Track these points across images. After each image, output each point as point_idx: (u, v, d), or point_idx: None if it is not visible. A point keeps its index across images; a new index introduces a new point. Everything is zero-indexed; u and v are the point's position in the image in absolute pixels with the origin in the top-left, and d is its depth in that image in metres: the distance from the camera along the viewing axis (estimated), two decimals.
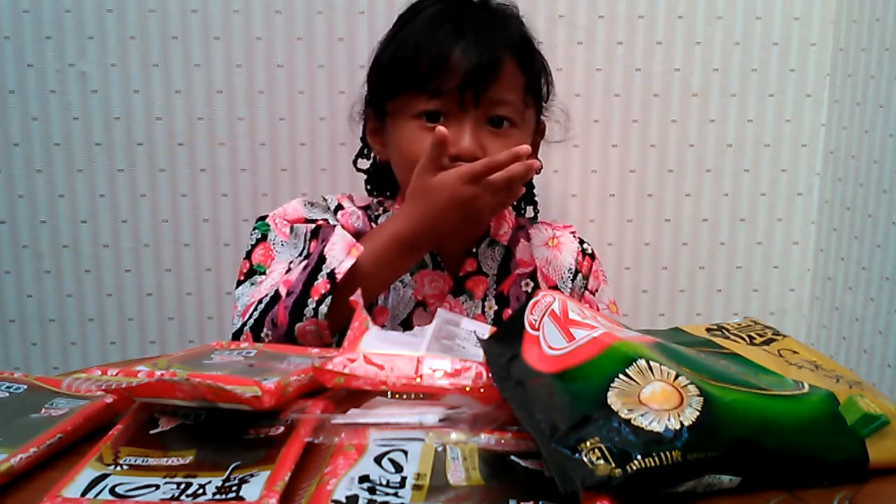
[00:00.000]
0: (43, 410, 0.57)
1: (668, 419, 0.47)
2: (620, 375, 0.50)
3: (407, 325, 0.92)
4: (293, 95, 1.18)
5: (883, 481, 0.50)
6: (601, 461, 0.45)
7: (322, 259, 0.79)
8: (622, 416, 0.47)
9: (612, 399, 0.48)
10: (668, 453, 0.46)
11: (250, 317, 0.81)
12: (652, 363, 0.50)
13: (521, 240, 0.98)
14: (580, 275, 0.98)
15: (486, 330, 0.67)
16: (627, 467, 0.45)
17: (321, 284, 0.78)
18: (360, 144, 1.01)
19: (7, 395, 0.60)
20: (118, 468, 0.49)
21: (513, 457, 0.49)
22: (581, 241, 1.01)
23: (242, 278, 0.88)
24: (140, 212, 1.21)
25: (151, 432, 0.53)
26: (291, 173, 1.20)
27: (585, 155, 1.22)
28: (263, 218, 0.92)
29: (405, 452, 0.49)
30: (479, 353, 0.60)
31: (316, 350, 0.69)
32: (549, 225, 1.02)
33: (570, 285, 0.97)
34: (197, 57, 1.17)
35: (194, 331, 1.24)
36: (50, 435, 0.53)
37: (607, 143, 1.22)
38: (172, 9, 1.16)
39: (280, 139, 1.20)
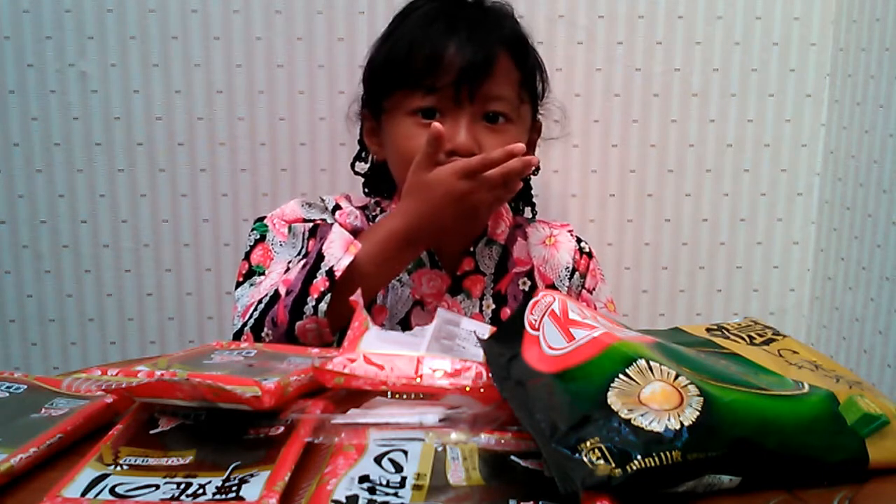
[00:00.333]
0: (43, 410, 0.57)
1: (668, 419, 0.47)
2: (620, 375, 0.50)
3: (405, 324, 0.92)
4: (293, 95, 1.18)
5: (883, 481, 0.50)
6: (601, 461, 0.45)
7: (320, 257, 0.79)
8: (622, 416, 0.47)
9: (612, 399, 0.48)
10: (668, 453, 0.46)
11: (250, 317, 0.81)
12: (652, 363, 0.50)
13: (519, 238, 0.98)
14: (577, 273, 0.98)
15: (486, 330, 0.66)
16: (627, 467, 0.45)
17: (320, 282, 0.78)
18: (358, 147, 1.02)
19: (7, 395, 0.60)
20: (118, 468, 0.49)
21: (513, 457, 0.49)
22: (578, 240, 1.01)
23: (242, 279, 0.88)
24: (140, 212, 1.21)
25: (151, 432, 0.53)
26: (291, 173, 1.20)
27: (585, 155, 1.22)
28: (262, 219, 0.92)
29: (405, 452, 0.49)
30: (479, 353, 0.60)
31: (316, 350, 0.69)
32: (547, 223, 1.02)
33: (567, 284, 0.97)
34: (197, 57, 1.17)
35: (194, 331, 1.24)
36: (50, 435, 0.52)
37: (607, 143, 1.22)
38: (172, 9, 1.16)
39: (280, 139, 1.20)
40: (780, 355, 0.60)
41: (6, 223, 1.20)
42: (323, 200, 0.96)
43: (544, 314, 0.58)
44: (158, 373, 0.58)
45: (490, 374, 0.56)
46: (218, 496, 0.45)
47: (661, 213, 1.24)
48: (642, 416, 0.47)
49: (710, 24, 1.19)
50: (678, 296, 1.26)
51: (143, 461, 0.49)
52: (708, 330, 0.64)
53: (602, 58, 1.19)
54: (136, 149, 1.19)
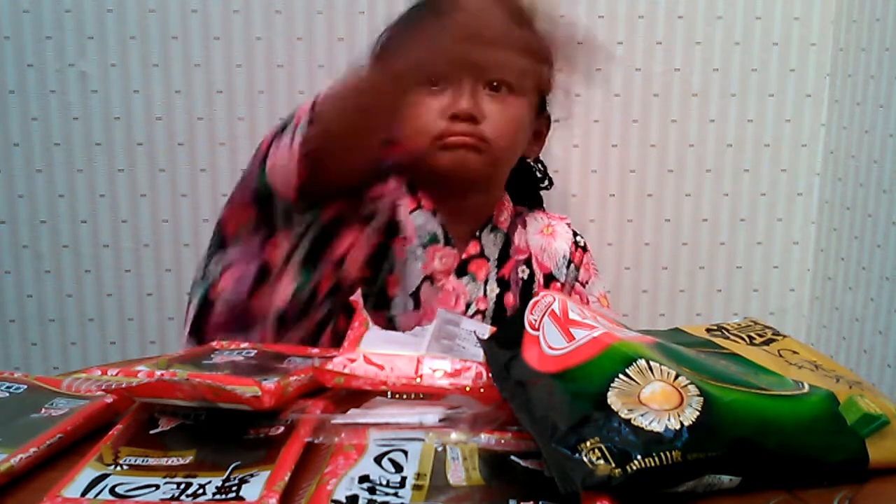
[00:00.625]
0: (43, 410, 0.57)
1: (668, 419, 0.47)
2: (620, 375, 0.49)
3: (416, 298, 0.92)
4: (293, 95, 1.18)
5: (883, 481, 0.50)
6: (601, 461, 0.45)
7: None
8: (622, 416, 0.47)
9: (612, 399, 0.48)
10: (668, 453, 0.46)
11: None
12: (652, 363, 0.50)
13: (519, 227, 0.99)
14: (573, 265, 0.99)
15: (485, 330, 0.67)
16: (627, 467, 0.45)
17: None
18: None
19: (7, 395, 0.60)
20: (118, 468, 0.48)
21: (513, 457, 0.49)
22: (575, 233, 1.02)
23: None
24: (140, 212, 1.21)
25: (151, 432, 0.53)
26: None
27: (585, 155, 1.22)
28: None
29: (405, 452, 0.49)
30: (479, 353, 0.60)
31: (316, 350, 0.69)
32: (545, 214, 1.03)
33: (564, 272, 0.98)
34: (197, 57, 1.17)
35: None
36: (50, 435, 0.52)
37: (607, 143, 1.22)
38: (172, 9, 1.16)
39: None
40: (780, 355, 0.60)
41: (6, 223, 1.20)
42: None
43: (544, 314, 0.57)
44: (158, 373, 0.58)
45: (490, 374, 0.56)
46: (218, 496, 0.45)
47: (661, 213, 1.24)
48: (642, 416, 0.47)
49: (710, 24, 1.19)
50: (678, 296, 1.26)
51: (143, 461, 0.49)
52: (708, 330, 0.64)
53: (602, 58, 1.19)
54: (136, 149, 1.19)
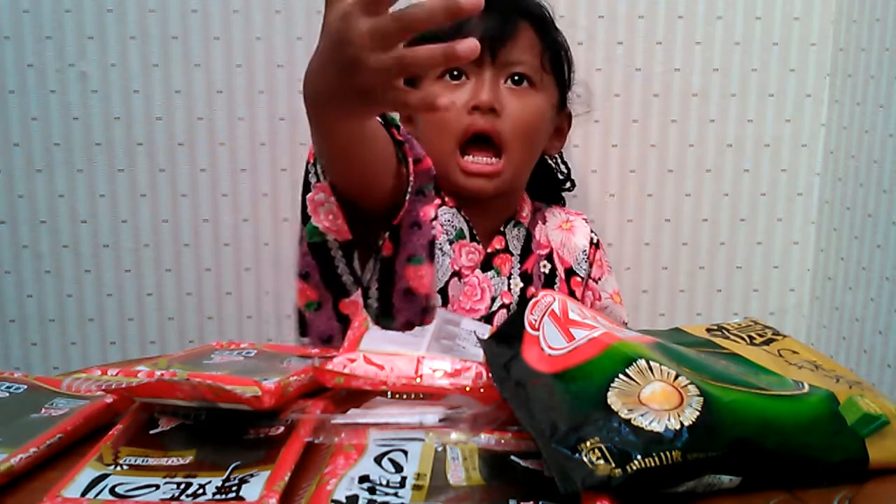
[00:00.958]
0: (43, 410, 0.57)
1: (668, 419, 0.47)
2: (620, 375, 0.49)
3: (444, 294, 0.92)
4: (293, 95, 1.18)
5: (883, 481, 0.50)
6: (601, 461, 0.45)
7: None
8: (622, 416, 0.47)
9: (612, 399, 0.48)
10: (668, 453, 0.46)
11: None
12: (652, 363, 0.50)
13: (539, 222, 1.00)
14: (588, 261, 1.01)
15: (485, 330, 0.67)
16: (627, 467, 0.45)
17: None
18: None
19: (7, 395, 0.60)
20: (118, 468, 0.48)
21: (513, 457, 0.49)
22: (591, 230, 1.04)
23: None
24: (140, 212, 1.21)
25: (151, 432, 0.53)
26: (291, 173, 1.20)
27: (585, 155, 1.22)
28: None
29: (405, 452, 0.49)
30: (479, 353, 0.60)
31: (316, 350, 0.69)
32: (563, 209, 1.05)
33: (584, 267, 1.00)
34: (197, 57, 1.17)
35: (194, 331, 1.24)
36: (50, 435, 0.52)
37: (607, 143, 1.22)
38: (172, 9, 1.16)
39: (280, 139, 1.20)
40: (780, 355, 0.60)
41: (6, 223, 1.20)
42: None
43: (544, 314, 0.57)
44: (158, 373, 0.58)
45: (490, 374, 0.56)
46: (218, 496, 0.45)
47: (661, 213, 1.24)
48: (642, 416, 0.47)
49: (710, 24, 1.19)
50: (678, 296, 1.26)
51: (143, 461, 0.49)
52: (708, 330, 0.64)
53: (602, 58, 1.19)
54: (137, 149, 1.19)
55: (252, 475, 0.47)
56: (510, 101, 0.89)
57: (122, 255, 1.22)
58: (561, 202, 1.08)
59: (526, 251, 0.97)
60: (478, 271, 0.93)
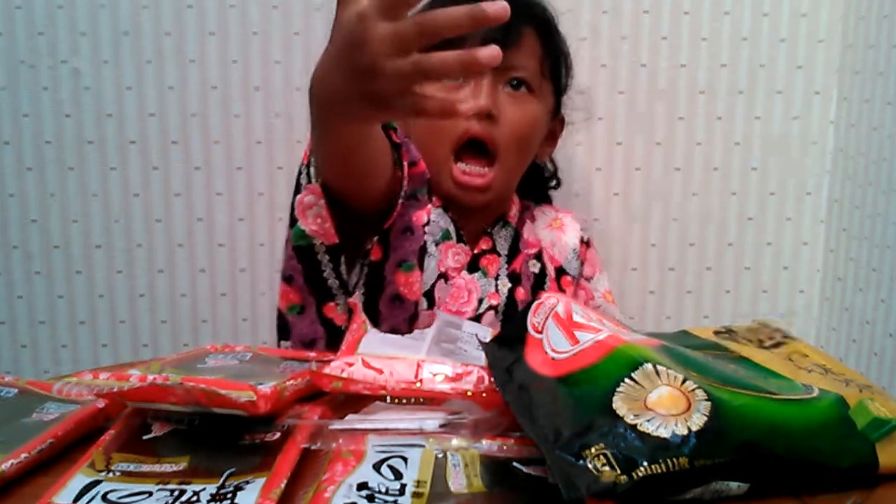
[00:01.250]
0: (34, 415, 0.56)
1: (676, 424, 0.46)
2: (626, 379, 0.49)
3: (430, 296, 0.91)
4: (290, 92, 1.17)
5: (893, 486, 0.50)
6: (606, 468, 0.44)
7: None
8: (628, 421, 0.46)
9: (618, 404, 0.47)
10: (674, 459, 0.45)
11: None
12: (658, 367, 0.49)
13: (527, 221, 1.00)
14: (579, 259, 1.01)
15: (487, 333, 0.66)
16: (633, 474, 0.44)
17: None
18: None
19: None
20: (110, 474, 0.48)
21: (515, 463, 0.49)
22: (581, 228, 1.03)
23: None
24: (133, 211, 1.20)
25: (144, 438, 0.53)
26: (287, 171, 1.19)
27: (589, 153, 1.21)
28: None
29: (405, 459, 0.48)
30: (481, 357, 0.59)
31: (313, 354, 0.68)
32: (552, 207, 1.05)
33: (575, 265, 0.99)
34: (191, 53, 1.16)
35: (188, 334, 1.23)
36: (41, 440, 0.52)
37: (612, 140, 1.21)
38: (166, 4, 1.15)
39: (276, 137, 1.19)
40: (790, 359, 0.59)
41: None
42: None
43: (548, 317, 0.57)
44: (151, 377, 0.58)
45: (492, 379, 0.55)
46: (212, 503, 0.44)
47: (668, 212, 1.23)
48: (648, 421, 0.46)
49: (717, 20, 1.19)
50: (685, 297, 1.25)
51: (135, 467, 0.49)
52: (716, 332, 0.64)
53: (607, 53, 1.18)
54: (129, 147, 1.18)
55: (247, 482, 0.46)
56: (508, 107, 0.88)
57: (115, 256, 1.21)
58: (547, 200, 1.08)
59: (514, 251, 0.96)
60: (464, 273, 0.93)
